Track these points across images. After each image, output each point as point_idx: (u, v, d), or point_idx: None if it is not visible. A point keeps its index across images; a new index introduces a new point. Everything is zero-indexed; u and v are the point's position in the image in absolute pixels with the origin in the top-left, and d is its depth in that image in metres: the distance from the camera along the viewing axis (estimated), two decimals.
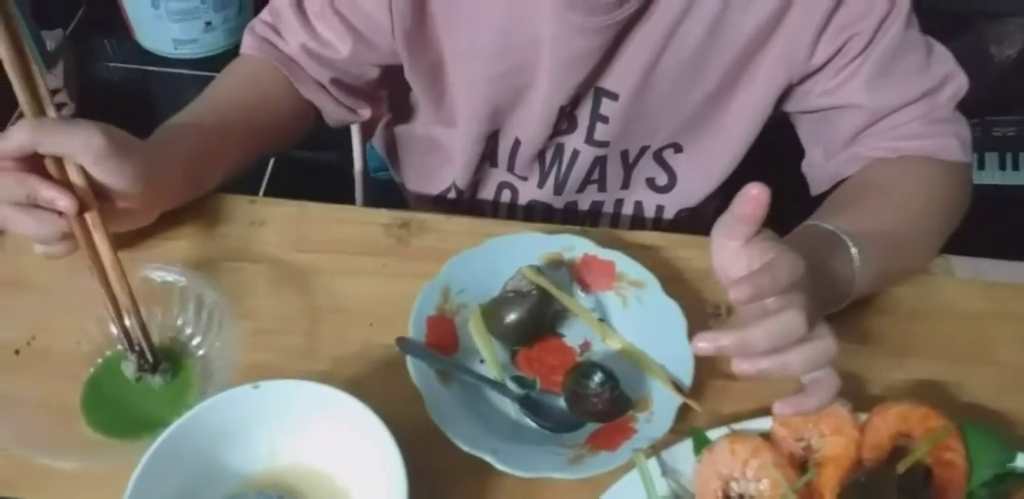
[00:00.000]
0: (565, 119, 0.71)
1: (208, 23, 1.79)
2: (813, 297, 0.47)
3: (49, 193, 0.50)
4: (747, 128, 0.71)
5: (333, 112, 0.74)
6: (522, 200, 0.81)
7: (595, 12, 0.60)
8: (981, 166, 1.80)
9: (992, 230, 1.77)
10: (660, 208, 0.80)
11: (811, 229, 0.58)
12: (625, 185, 0.79)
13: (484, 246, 0.60)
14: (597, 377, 0.52)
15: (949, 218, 0.65)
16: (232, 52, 0.71)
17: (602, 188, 0.79)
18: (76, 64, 1.77)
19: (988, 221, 1.78)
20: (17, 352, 0.53)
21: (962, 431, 0.52)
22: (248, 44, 0.70)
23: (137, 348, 0.53)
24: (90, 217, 0.51)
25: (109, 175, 0.52)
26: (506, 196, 0.81)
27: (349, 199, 1.02)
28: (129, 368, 0.54)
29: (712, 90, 0.68)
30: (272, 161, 1.68)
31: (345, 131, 0.95)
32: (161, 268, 0.54)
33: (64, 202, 0.50)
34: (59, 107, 1.79)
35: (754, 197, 0.46)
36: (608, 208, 0.81)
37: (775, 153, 0.80)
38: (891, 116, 0.66)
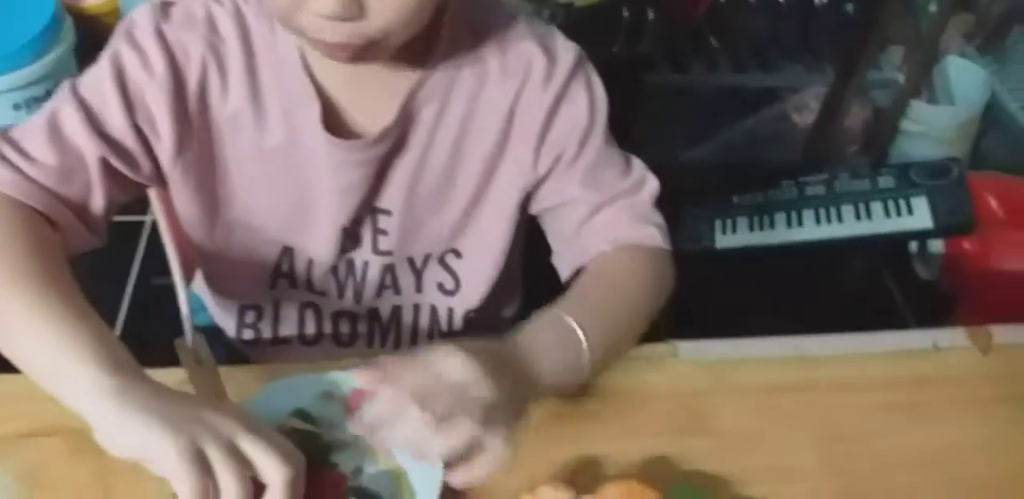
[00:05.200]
0: (350, 238, 0.82)
1: None
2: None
3: None
4: (503, 233, 0.84)
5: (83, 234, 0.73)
6: (326, 315, 0.89)
7: (356, 149, 0.74)
8: (800, 223, 1.97)
9: (820, 277, 1.95)
10: (451, 311, 0.91)
11: (544, 319, 0.70)
12: (419, 289, 0.89)
13: (261, 395, 0.69)
14: None
15: (657, 295, 0.78)
16: None
17: (397, 291, 0.88)
18: None
19: (811, 274, 1.96)
20: None
21: (670, 496, 0.62)
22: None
23: None
24: None
25: None
26: (310, 314, 0.90)
27: None
28: None
29: (466, 202, 0.81)
30: (128, 295, 1.74)
31: None
32: None
33: None
34: None
35: None
36: (408, 314, 0.91)
37: None
38: (603, 211, 0.79)
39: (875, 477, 0.69)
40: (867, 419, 0.74)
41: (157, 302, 1.20)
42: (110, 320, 1.74)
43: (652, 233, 0.80)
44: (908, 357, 0.80)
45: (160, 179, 0.77)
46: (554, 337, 0.68)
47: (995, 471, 0.71)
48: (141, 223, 1.81)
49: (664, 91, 2.05)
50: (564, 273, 0.85)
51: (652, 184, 0.82)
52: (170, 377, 0.70)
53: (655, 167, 0.83)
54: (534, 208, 0.84)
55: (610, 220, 0.80)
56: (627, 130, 0.99)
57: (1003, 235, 1.69)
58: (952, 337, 0.82)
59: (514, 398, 0.61)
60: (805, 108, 2.25)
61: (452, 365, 0.59)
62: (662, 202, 0.82)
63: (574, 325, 0.68)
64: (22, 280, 0.62)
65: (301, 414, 0.67)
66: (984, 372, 0.80)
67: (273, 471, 0.54)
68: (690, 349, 0.79)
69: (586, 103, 0.78)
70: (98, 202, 0.72)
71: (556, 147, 0.78)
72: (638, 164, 0.83)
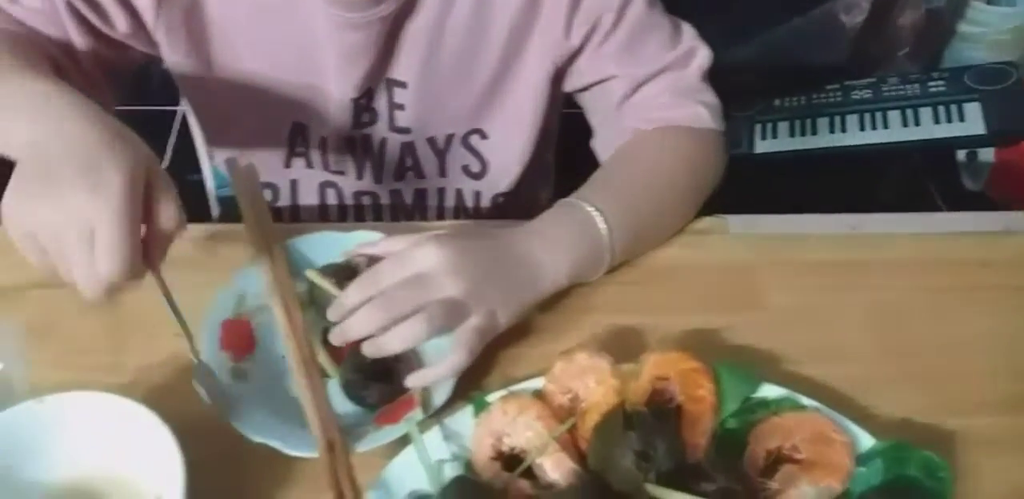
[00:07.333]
0: (366, 112, 0.76)
1: None
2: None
3: None
4: (533, 112, 0.77)
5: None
6: (347, 195, 0.85)
7: (355, 8, 0.67)
8: (844, 129, 1.89)
9: (861, 186, 1.88)
10: (478, 195, 0.86)
11: (559, 206, 0.66)
12: (443, 173, 0.84)
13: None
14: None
15: (701, 180, 0.72)
16: None
17: (420, 175, 0.83)
18: None
19: (852, 182, 1.89)
20: None
21: (716, 370, 0.58)
22: None
23: None
24: None
25: None
26: (331, 195, 0.85)
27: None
28: None
29: (490, 76, 0.74)
30: None
31: None
32: None
33: None
34: None
35: None
36: (432, 199, 0.87)
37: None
38: (644, 88, 0.72)
39: (933, 360, 0.64)
40: (925, 300, 0.68)
41: (187, 200, 1.15)
42: None
43: (698, 112, 0.73)
44: (975, 239, 0.74)
45: (147, 39, 0.71)
46: (569, 225, 0.64)
47: None
48: (173, 113, 1.74)
49: None
50: (603, 157, 0.78)
51: (703, 56, 0.73)
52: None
53: None
54: (568, 85, 0.77)
55: (651, 97, 0.73)
56: None
57: None
58: None
59: (504, 301, 0.59)
60: (855, 8, 2.11)
61: (427, 253, 0.57)
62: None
63: (591, 210, 0.64)
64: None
65: (322, 270, 0.62)
66: None
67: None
68: (741, 223, 0.73)
69: None
70: (84, 53, 0.69)
71: (592, 14, 0.70)
72: (688, 32, 0.74)
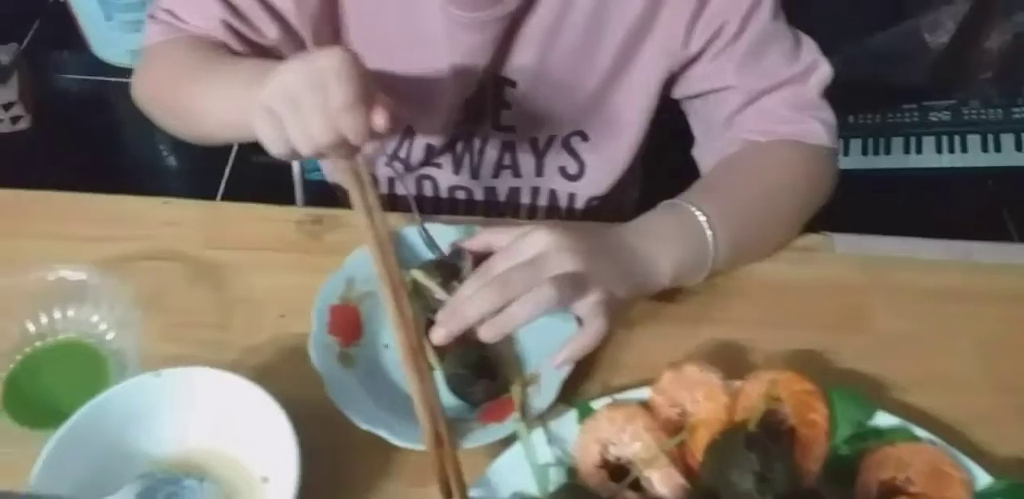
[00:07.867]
0: (472, 108, 0.76)
1: None
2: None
3: None
4: (639, 116, 0.76)
5: None
6: (443, 188, 0.85)
7: (475, 8, 0.66)
8: (919, 150, 1.85)
9: (931, 210, 1.84)
10: (572, 196, 0.85)
11: (664, 207, 0.65)
12: (539, 173, 0.83)
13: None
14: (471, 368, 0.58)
15: (810, 198, 0.71)
16: None
17: (516, 174, 0.83)
18: (31, 77, 1.80)
19: (922, 202, 1.84)
20: None
21: (827, 393, 0.57)
22: (155, 31, 0.72)
23: None
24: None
25: None
26: (427, 187, 0.85)
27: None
28: None
29: (601, 79, 0.73)
30: (229, 166, 1.71)
31: None
32: (72, 268, 0.57)
33: None
34: (14, 120, 1.77)
35: None
36: (526, 197, 0.86)
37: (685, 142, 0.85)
38: (761, 100, 0.71)
39: None
40: None
41: (255, 180, 1.15)
42: (208, 198, 1.73)
43: (814, 129, 0.71)
44: None
45: (297, 42, 0.72)
46: (674, 225, 0.63)
47: None
48: None
49: None
50: (704, 166, 0.77)
51: (823, 71, 0.71)
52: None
53: None
54: (678, 92, 0.75)
55: (766, 110, 0.71)
56: None
57: None
58: None
59: (619, 281, 0.58)
60: (940, 27, 2.06)
61: (537, 238, 0.56)
62: None
63: (696, 212, 0.63)
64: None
65: (424, 266, 0.62)
66: None
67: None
68: (846, 242, 0.71)
69: None
70: None
71: (714, 22, 0.68)
72: (809, 45, 0.72)
